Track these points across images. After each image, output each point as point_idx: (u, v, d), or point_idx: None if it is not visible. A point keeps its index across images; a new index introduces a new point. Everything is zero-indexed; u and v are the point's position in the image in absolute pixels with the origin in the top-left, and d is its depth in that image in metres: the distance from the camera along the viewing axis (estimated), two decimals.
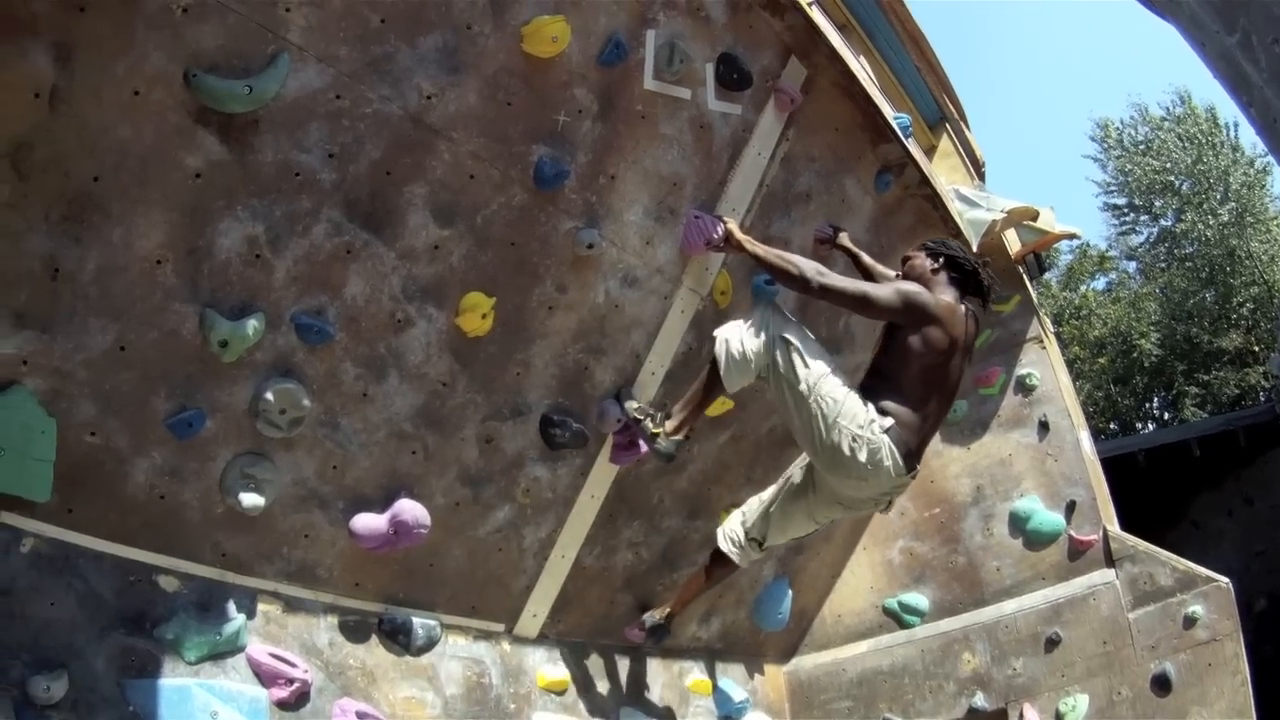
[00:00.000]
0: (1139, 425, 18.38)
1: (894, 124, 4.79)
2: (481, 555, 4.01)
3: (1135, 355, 17.33)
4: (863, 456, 3.28)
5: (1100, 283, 20.03)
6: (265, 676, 3.15)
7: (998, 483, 5.59)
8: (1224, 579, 4.81)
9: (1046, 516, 5.38)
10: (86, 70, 2.50)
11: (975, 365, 5.85)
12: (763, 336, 3.49)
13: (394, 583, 3.75)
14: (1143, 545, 5.15)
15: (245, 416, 3.11)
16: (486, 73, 3.34)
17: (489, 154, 3.44)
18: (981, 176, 7.34)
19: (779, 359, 3.44)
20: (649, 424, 3.78)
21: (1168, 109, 18.32)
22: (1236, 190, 16.69)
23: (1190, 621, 4.71)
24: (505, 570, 4.14)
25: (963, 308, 3.55)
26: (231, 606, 3.15)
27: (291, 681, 3.18)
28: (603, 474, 4.29)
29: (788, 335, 3.46)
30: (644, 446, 3.99)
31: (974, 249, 5.54)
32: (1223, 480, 11.69)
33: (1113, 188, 18.96)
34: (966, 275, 3.66)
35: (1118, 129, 18.85)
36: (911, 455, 3.38)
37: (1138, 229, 18.94)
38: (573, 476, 4.20)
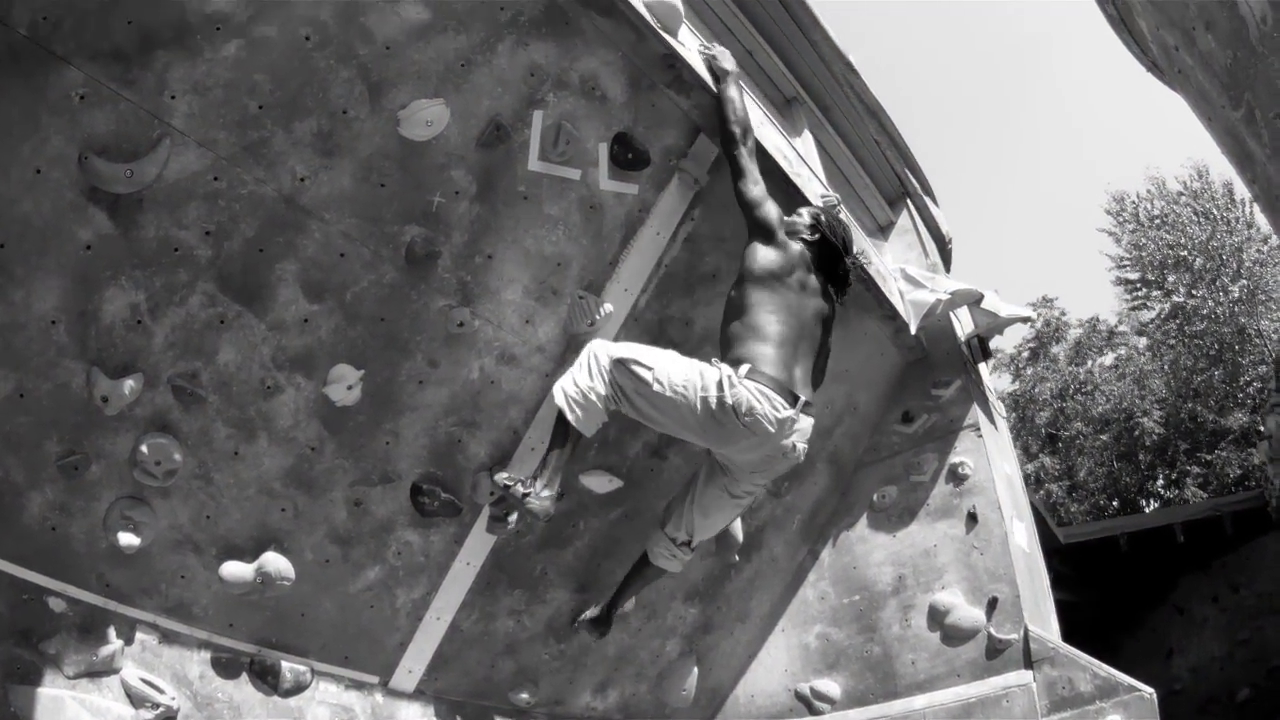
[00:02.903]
0: (1143, 503, 18.13)
1: (820, 204, 4.73)
2: (353, 610, 4.12)
3: (1138, 433, 17.12)
4: (736, 414, 3.30)
5: (1109, 358, 19.84)
6: (135, 699, 3.41)
7: (920, 573, 5.46)
8: (1148, 689, 4.66)
9: (966, 611, 5.24)
10: None
11: (907, 450, 5.79)
12: (595, 370, 3.49)
13: (266, 627, 3.88)
14: (1064, 648, 4.99)
15: (125, 465, 3.36)
16: (361, 156, 3.48)
17: (360, 234, 3.58)
18: (945, 254, 7.26)
19: (621, 381, 3.46)
20: (518, 488, 3.75)
21: (1185, 183, 18.28)
22: (1249, 267, 16.57)
23: None
24: (378, 626, 4.22)
25: (812, 276, 3.76)
26: (112, 632, 3.41)
27: (158, 706, 3.42)
28: (479, 542, 4.31)
29: (617, 354, 3.49)
30: (515, 516, 3.98)
31: (913, 330, 5.48)
32: (1208, 565, 11.53)
33: (1126, 262, 18.86)
34: (826, 253, 3.86)
35: (1133, 202, 18.78)
36: (787, 390, 3.41)
37: (1149, 304, 18.78)
38: (446, 543, 4.25)
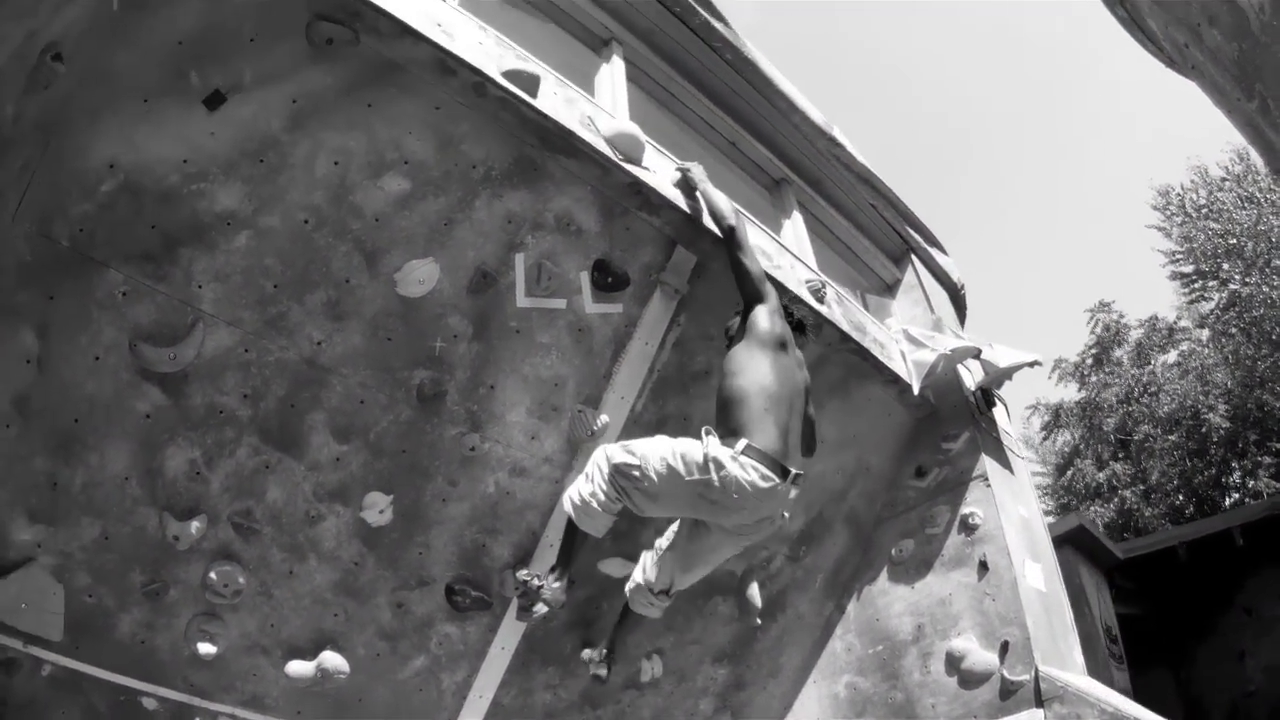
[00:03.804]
0: (1223, 500, 17.78)
1: (804, 289, 5.07)
2: (404, 694, 4.63)
3: (1205, 430, 16.89)
4: (726, 492, 3.42)
5: (1172, 355, 19.52)
6: None
7: (937, 621, 5.74)
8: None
9: (981, 656, 5.51)
10: (59, 342, 3.50)
11: (921, 504, 6.07)
12: (597, 478, 3.68)
13: (330, 712, 4.43)
14: (1074, 685, 5.21)
15: (198, 588, 3.98)
16: (367, 316, 4.00)
17: (375, 382, 4.10)
18: (958, 302, 7.45)
19: (621, 484, 3.62)
20: (534, 582, 4.16)
21: (1227, 168, 17.88)
22: None
23: None
24: (428, 707, 4.70)
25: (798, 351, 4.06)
26: None
27: None
28: (510, 630, 4.72)
29: (615, 460, 3.65)
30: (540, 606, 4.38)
31: (916, 390, 5.78)
32: (1273, 562, 11.42)
33: (1178, 256, 18.52)
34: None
35: (1179, 194, 18.47)
36: (779, 464, 3.52)
37: (1206, 295, 18.44)
38: (481, 632, 4.69)
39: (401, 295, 4.00)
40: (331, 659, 4.32)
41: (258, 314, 3.82)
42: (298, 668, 4.26)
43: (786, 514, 3.81)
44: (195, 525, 3.88)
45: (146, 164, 3.49)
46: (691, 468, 3.47)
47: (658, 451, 3.60)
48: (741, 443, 3.47)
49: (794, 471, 3.58)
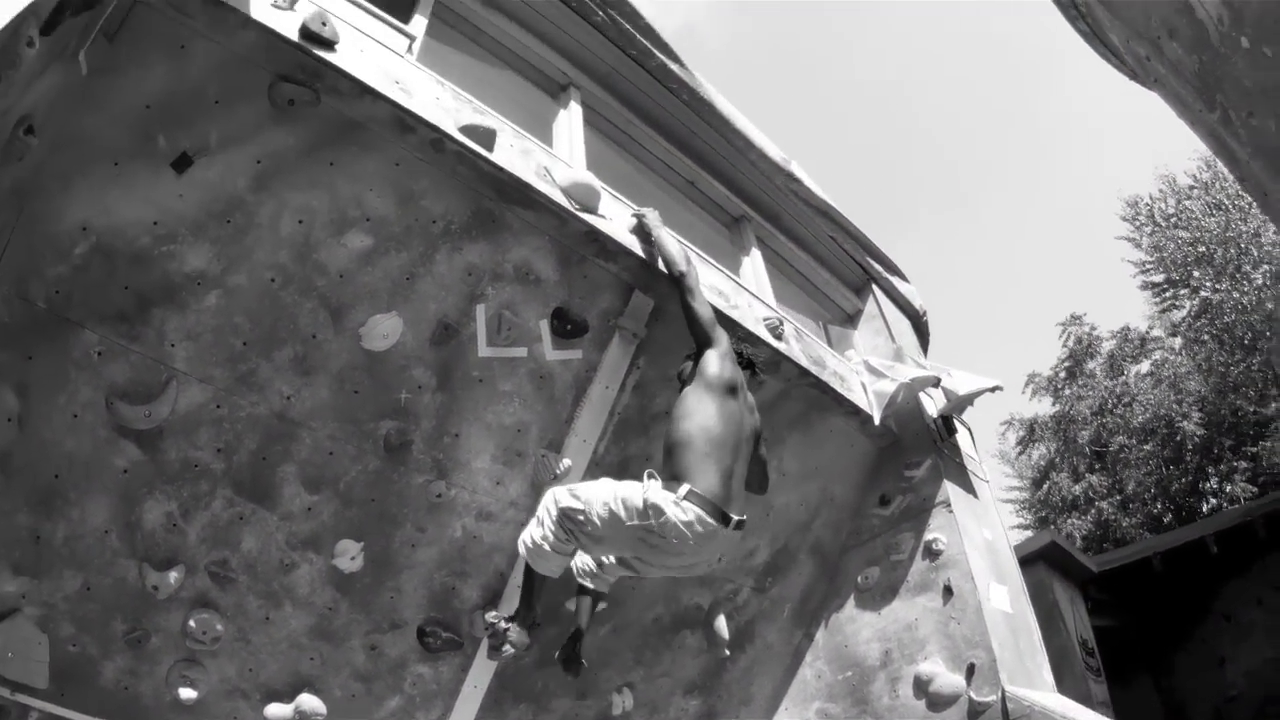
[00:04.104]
0: (1200, 506, 17.96)
1: (762, 327, 5.19)
2: None
3: (1180, 438, 17.10)
4: (664, 538, 3.49)
5: (1145, 365, 19.73)
6: None
7: (904, 646, 5.85)
8: None
9: (948, 679, 5.63)
10: (38, 401, 3.59)
11: (886, 532, 6.20)
12: (547, 521, 3.76)
13: None
14: (1041, 704, 5.33)
15: (179, 635, 4.07)
16: (333, 370, 4.11)
17: (343, 434, 4.21)
18: (920, 328, 7.56)
19: (569, 526, 3.71)
20: (501, 624, 4.27)
21: (1195, 176, 18.13)
22: (1268, 251, 16.42)
23: None
24: None
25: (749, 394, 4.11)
26: None
27: None
28: (483, 668, 4.83)
29: (562, 504, 3.73)
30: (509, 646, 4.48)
31: (877, 420, 5.91)
32: (1247, 570, 11.59)
33: (1149, 265, 18.76)
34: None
35: (1148, 204, 18.72)
36: (721, 510, 3.55)
37: (1177, 304, 18.68)
38: (454, 672, 4.80)
39: (367, 349, 4.12)
40: (309, 701, 4.41)
41: (228, 371, 3.93)
42: (276, 710, 4.34)
43: (722, 558, 3.94)
44: (174, 575, 3.99)
45: (118, 226, 3.61)
46: (632, 513, 3.54)
47: (600, 496, 3.67)
48: (684, 488, 3.52)
49: (735, 518, 3.63)
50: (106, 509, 3.82)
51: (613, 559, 4.08)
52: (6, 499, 3.61)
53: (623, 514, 3.57)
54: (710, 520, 3.51)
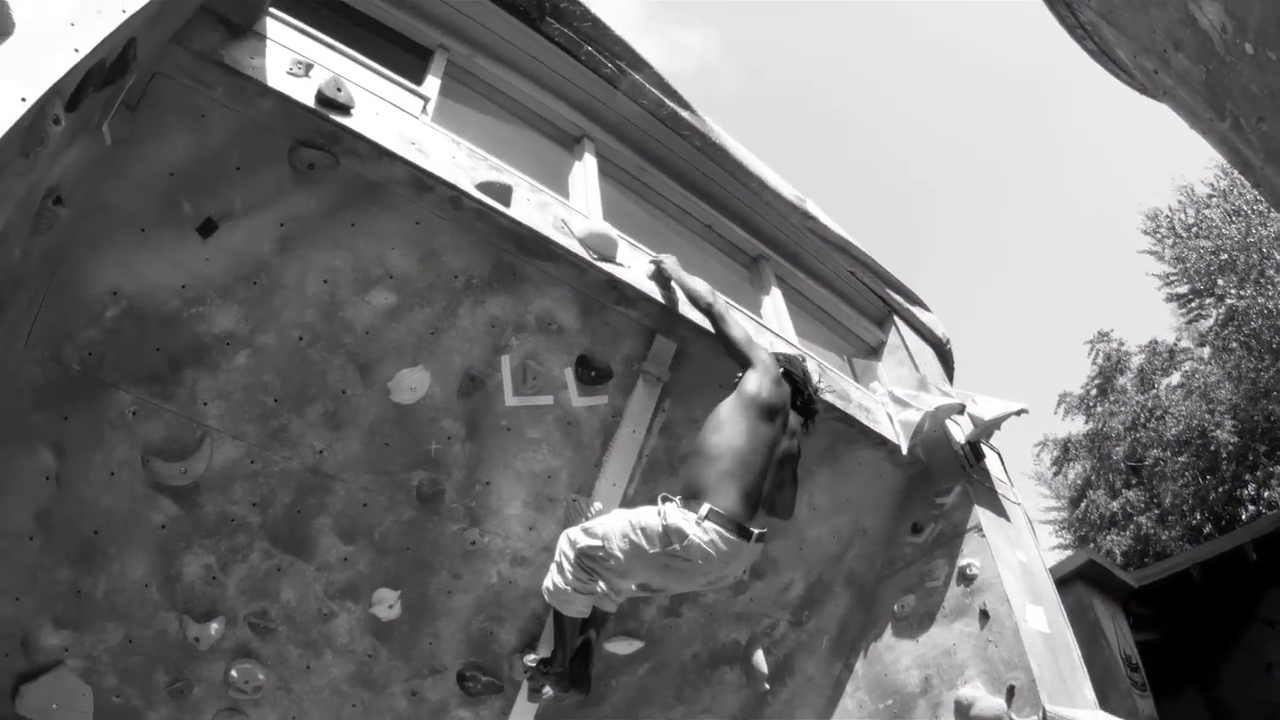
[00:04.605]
0: (1239, 514, 17.77)
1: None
2: None
3: (1214, 447, 16.95)
4: (687, 559, 3.54)
5: (1175, 377, 19.60)
6: None
7: (944, 672, 5.83)
8: None
9: (988, 702, 5.60)
10: (75, 460, 3.68)
11: (920, 560, 6.19)
12: (566, 565, 3.82)
13: None
14: None
15: (221, 685, 4.15)
16: (364, 425, 4.19)
17: (376, 485, 4.28)
18: (944, 356, 7.56)
19: (590, 565, 3.76)
20: (541, 667, 4.33)
21: (1212, 184, 18.13)
22: None
23: None
24: None
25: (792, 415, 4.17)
26: None
27: None
28: (523, 711, 4.84)
29: (580, 545, 3.78)
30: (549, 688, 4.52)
31: (905, 450, 5.93)
32: None
33: (1173, 277, 18.72)
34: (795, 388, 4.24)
35: (1167, 216, 18.70)
36: (743, 527, 3.60)
37: (1203, 313, 18.59)
38: (494, 715, 4.82)
39: (396, 403, 4.20)
40: None
41: (261, 427, 4.01)
42: None
43: (745, 573, 3.97)
44: (214, 626, 4.07)
45: (147, 290, 3.72)
46: (653, 540, 3.59)
47: (617, 529, 3.72)
48: (704, 507, 3.56)
49: (756, 531, 3.66)
50: (146, 563, 3.91)
51: (634, 585, 4.03)
52: (47, 555, 3.70)
53: (644, 543, 3.62)
54: (732, 537, 3.56)
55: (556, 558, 3.94)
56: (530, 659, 4.50)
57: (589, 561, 3.77)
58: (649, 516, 3.67)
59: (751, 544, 3.64)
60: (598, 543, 3.74)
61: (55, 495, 3.66)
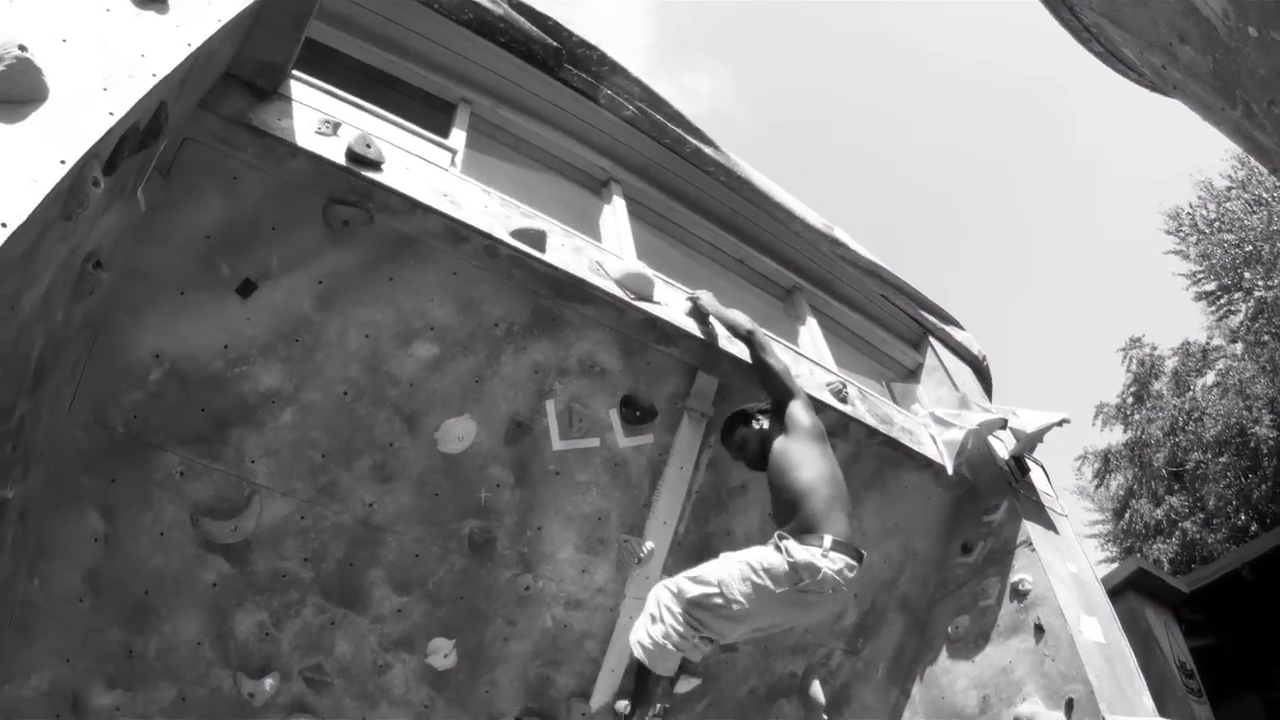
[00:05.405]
0: None
1: (826, 392, 5.22)
2: None
3: (1254, 444, 16.74)
4: (821, 590, 3.55)
5: (1210, 376, 19.39)
6: None
7: (1001, 690, 5.76)
8: None
9: (1048, 717, 5.53)
10: (124, 522, 3.71)
11: (972, 579, 6.14)
12: (668, 619, 3.62)
13: None
14: None
15: None
16: (412, 476, 4.20)
17: (428, 536, 4.30)
18: (982, 373, 7.52)
19: (700, 617, 3.60)
20: (634, 717, 4.25)
21: (1230, 176, 18.02)
22: None
23: None
24: None
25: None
26: None
27: None
28: None
29: (690, 595, 3.62)
30: None
31: (950, 470, 5.89)
32: None
33: (1200, 275, 18.55)
34: None
35: (1189, 213, 18.56)
36: (856, 550, 3.69)
37: (1233, 308, 18.41)
38: None
39: (443, 453, 4.22)
40: None
41: (310, 483, 4.04)
42: None
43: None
44: (269, 682, 4.06)
45: (190, 352, 3.76)
46: (779, 579, 3.57)
47: (735, 574, 3.61)
48: (827, 539, 3.62)
49: (864, 554, 3.77)
50: (198, 621, 3.92)
51: (752, 629, 3.90)
52: (97, 616, 3.72)
53: (769, 584, 3.57)
54: (854, 562, 3.65)
55: (650, 610, 3.74)
56: (621, 705, 4.33)
57: (700, 612, 3.61)
58: (769, 556, 3.64)
59: (862, 565, 3.73)
60: (713, 589, 3.59)
61: (104, 557, 3.69)
